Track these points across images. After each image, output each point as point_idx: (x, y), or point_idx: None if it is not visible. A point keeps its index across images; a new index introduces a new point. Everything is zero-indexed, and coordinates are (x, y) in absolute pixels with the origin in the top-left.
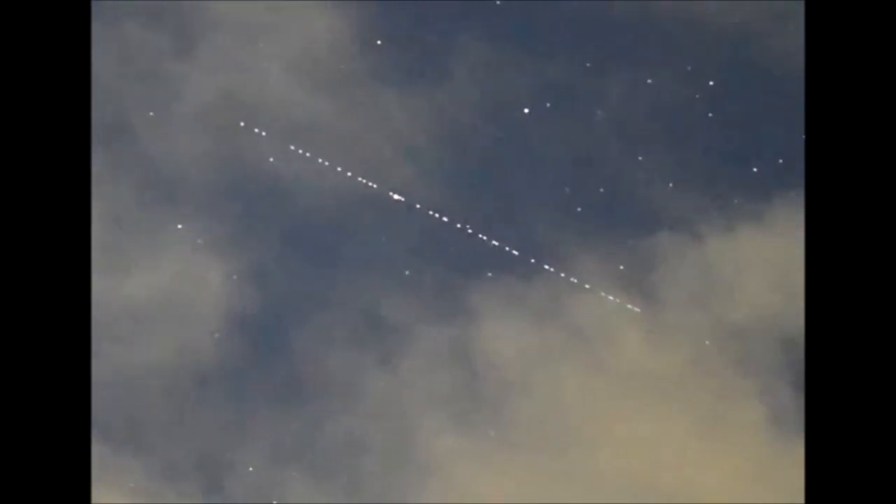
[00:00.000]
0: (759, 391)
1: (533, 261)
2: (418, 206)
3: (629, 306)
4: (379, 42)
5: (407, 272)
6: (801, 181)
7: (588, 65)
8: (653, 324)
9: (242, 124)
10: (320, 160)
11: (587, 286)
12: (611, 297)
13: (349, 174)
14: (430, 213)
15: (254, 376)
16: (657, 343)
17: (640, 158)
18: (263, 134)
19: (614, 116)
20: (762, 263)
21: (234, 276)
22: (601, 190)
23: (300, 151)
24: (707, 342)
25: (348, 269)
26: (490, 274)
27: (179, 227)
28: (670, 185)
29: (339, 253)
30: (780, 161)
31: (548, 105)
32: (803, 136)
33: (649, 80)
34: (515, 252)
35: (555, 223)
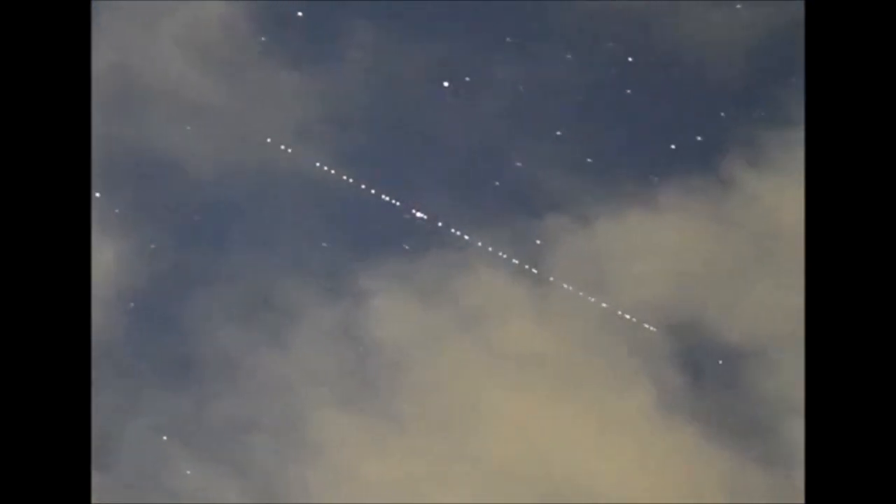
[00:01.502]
0: (648, 376)
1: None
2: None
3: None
4: (272, 23)
5: (297, 251)
6: (691, 167)
7: (481, 46)
8: (542, 306)
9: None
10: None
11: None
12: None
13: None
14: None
15: (142, 354)
16: (546, 326)
17: (530, 141)
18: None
19: (506, 98)
20: (652, 248)
21: (124, 254)
22: (491, 172)
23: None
24: (596, 326)
25: (238, 248)
26: (381, 254)
27: None
28: (560, 168)
29: (229, 231)
30: (672, 147)
31: (442, 86)
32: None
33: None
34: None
35: (446, 204)
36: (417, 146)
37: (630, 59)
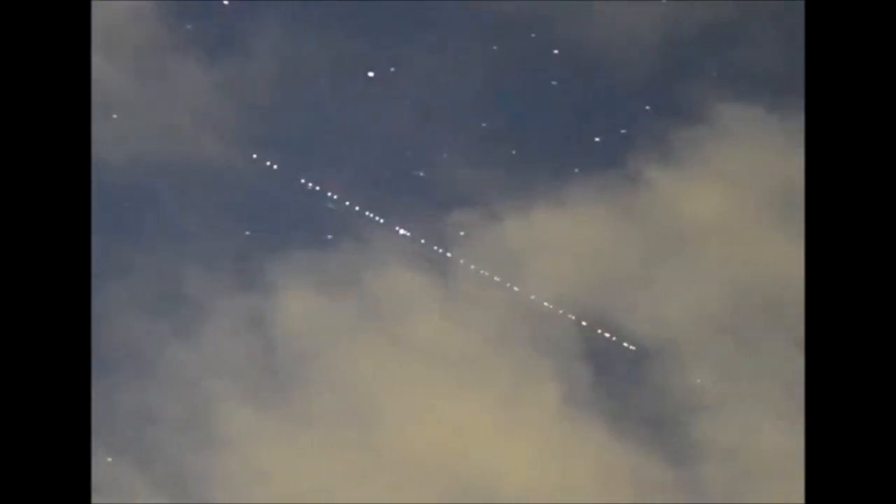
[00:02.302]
0: (556, 371)
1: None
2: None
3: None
4: (186, 14)
5: (207, 242)
6: (600, 163)
7: (401, 39)
8: (451, 300)
9: None
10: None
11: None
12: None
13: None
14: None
15: None
16: (455, 320)
17: (439, 135)
18: None
19: (415, 91)
20: (559, 243)
21: None
22: (400, 165)
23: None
24: (504, 321)
25: (146, 239)
26: (290, 245)
27: None
28: (469, 162)
29: (136, 222)
30: (579, 142)
31: (349, 79)
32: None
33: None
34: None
35: (354, 197)
36: (332, 136)
37: (541, 56)
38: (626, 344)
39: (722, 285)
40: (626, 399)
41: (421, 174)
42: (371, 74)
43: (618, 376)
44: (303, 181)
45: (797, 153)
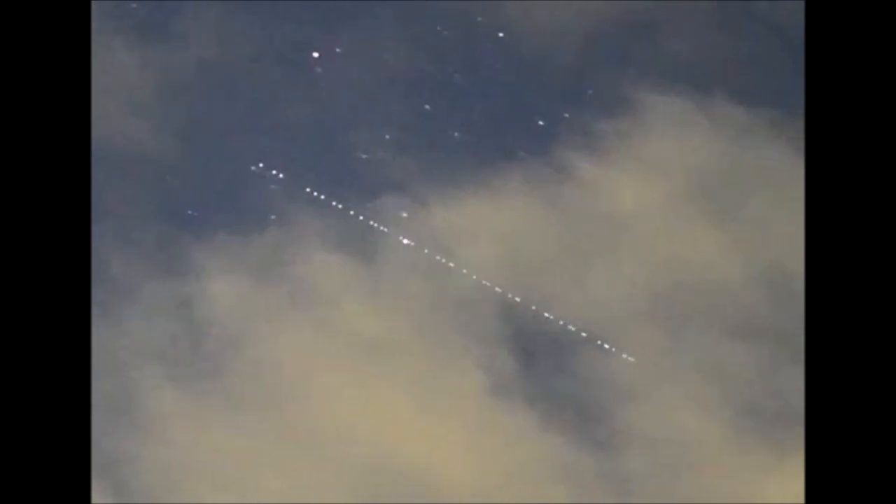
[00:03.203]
0: (481, 359)
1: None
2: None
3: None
4: None
5: (131, 226)
6: (528, 153)
7: (323, 24)
8: (377, 288)
9: None
10: None
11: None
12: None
13: None
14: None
15: None
16: (380, 308)
17: (366, 120)
18: None
19: (346, 77)
20: (485, 232)
21: None
22: (328, 151)
23: None
24: (429, 309)
25: None
26: (217, 230)
27: None
28: (397, 148)
29: None
30: (506, 132)
31: (275, 63)
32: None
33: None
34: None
35: (280, 183)
36: (262, 121)
37: (470, 47)
38: (563, 322)
39: (647, 274)
40: (551, 387)
41: (349, 160)
42: (316, 55)
43: (543, 364)
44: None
45: (721, 143)
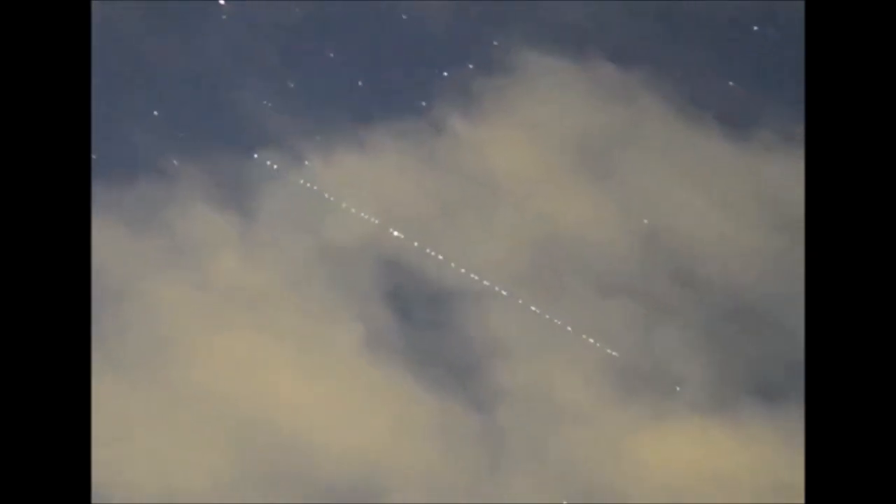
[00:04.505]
0: (357, 314)
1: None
2: None
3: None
4: None
5: None
6: (403, 111)
7: None
8: (252, 241)
9: None
10: None
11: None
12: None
13: None
14: None
15: None
16: (256, 261)
17: (245, 77)
18: None
19: (222, 34)
20: (363, 188)
21: None
22: (206, 106)
23: None
24: (305, 262)
25: None
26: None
27: None
28: (272, 105)
29: None
30: (387, 89)
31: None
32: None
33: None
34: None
35: (158, 135)
36: (139, 75)
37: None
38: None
39: (523, 233)
40: (428, 343)
41: (227, 115)
42: (222, 2)
43: (420, 320)
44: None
45: (596, 102)
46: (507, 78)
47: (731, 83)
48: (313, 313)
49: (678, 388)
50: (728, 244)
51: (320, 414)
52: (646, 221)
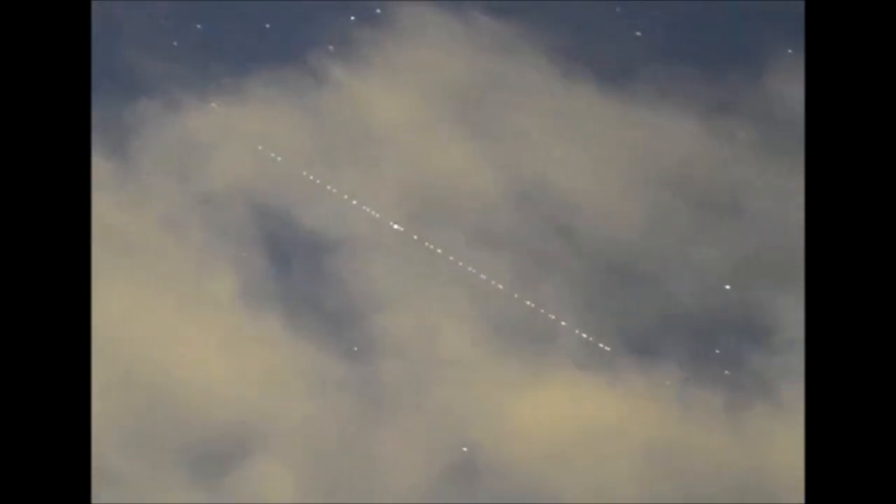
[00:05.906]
0: (233, 261)
1: None
2: None
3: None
4: None
5: None
6: (281, 58)
7: None
8: (127, 189)
9: None
10: None
11: None
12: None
13: None
14: None
15: None
16: (129, 207)
17: (119, 24)
18: None
19: None
20: (238, 134)
21: None
22: None
23: None
24: (182, 210)
25: None
26: None
27: None
28: (148, 52)
29: None
30: (264, 38)
31: None
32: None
33: None
34: None
35: None
36: None
37: None
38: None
39: (401, 184)
40: (305, 292)
41: (106, 62)
42: None
43: (297, 269)
44: None
45: (475, 54)
46: (385, 28)
47: (608, 37)
48: (188, 259)
49: (555, 342)
50: (606, 198)
51: (193, 359)
52: (523, 173)
